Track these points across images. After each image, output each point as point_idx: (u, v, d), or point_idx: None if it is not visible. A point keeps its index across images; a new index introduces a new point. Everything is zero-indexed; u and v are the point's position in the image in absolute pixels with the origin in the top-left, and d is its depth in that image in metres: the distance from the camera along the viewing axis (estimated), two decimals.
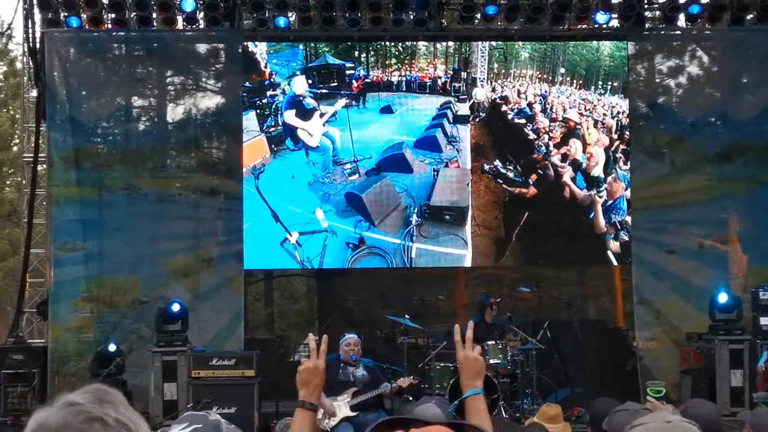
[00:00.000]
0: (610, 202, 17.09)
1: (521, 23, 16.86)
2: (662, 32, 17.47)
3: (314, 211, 16.85)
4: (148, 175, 16.80)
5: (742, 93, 17.25)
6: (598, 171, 17.11)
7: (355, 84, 17.18)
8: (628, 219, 16.99)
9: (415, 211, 16.96)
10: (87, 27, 16.53)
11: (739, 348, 14.43)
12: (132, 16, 16.41)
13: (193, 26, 16.77)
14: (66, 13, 16.30)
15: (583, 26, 17.13)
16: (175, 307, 15.20)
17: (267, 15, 16.42)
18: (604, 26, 17.04)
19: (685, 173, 17.19)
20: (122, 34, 16.87)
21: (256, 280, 20.09)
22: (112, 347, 15.21)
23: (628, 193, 17.03)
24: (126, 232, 16.42)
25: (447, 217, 17.08)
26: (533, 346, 14.68)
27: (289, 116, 17.05)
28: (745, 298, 15.74)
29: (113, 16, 16.44)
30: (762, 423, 6.15)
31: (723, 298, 15.45)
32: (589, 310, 19.95)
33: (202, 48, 17.39)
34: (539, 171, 17.17)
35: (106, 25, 16.63)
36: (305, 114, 17.08)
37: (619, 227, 16.98)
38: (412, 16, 16.54)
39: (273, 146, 17.06)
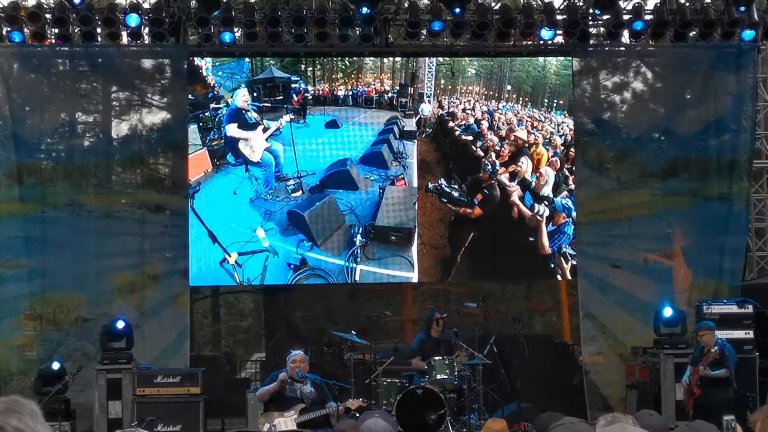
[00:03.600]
0: (554, 227, 17.16)
1: (467, 39, 16.91)
2: (606, 48, 17.60)
3: (255, 230, 16.71)
4: (93, 191, 16.65)
5: (685, 109, 17.41)
6: (547, 190, 17.17)
7: (295, 98, 17.11)
8: (571, 250, 17.07)
9: (360, 231, 16.84)
10: (30, 42, 16.35)
11: (684, 362, 14.48)
12: (76, 31, 16.25)
13: (138, 42, 16.65)
14: (8, 28, 16.11)
15: (529, 42, 17.23)
16: (120, 325, 15.10)
17: (212, 30, 16.32)
18: (549, 42, 17.14)
19: (630, 188, 17.35)
20: (66, 49, 16.70)
21: (202, 296, 19.97)
22: (56, 365, 15.03)
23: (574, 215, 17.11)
24: (70, 248, 16.26)
25: (393, 237, 16.99)
26: (480, 361, 14.67)
27: (232, 129, 16.95)
28: (690, 312, 15.90)
29: (57, 31, 16.26)
30: None
31: (668, 312, 15.60)
32: (535, 325, 20.04)
33: (147, 63, 17.25)
34: (485, 191, 17.17)
35: (49, 41, 16.46)
36: (248, 128, 16.99)
37: (568, 257, 17.03)
38: (358, 32, 16.53)
39: (215, 160, 16.96)
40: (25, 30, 16.18)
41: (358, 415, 13.04)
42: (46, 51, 16.78)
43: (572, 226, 17.14)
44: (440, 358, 14.44)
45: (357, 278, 16.88)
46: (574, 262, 17.06)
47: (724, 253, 16.93)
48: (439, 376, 14.25)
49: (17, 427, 2.29)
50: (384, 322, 16.86)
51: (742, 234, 17.12)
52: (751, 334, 15.33)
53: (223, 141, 16.96)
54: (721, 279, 16.90)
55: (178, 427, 13.97)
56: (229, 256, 16.63)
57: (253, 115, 17.00)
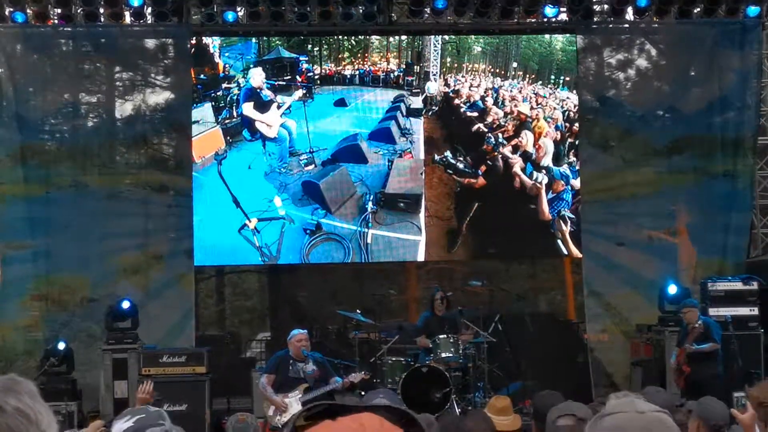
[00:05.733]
0: (553, 195, 17.19)
1: (470, 17, 16.88)
2: (611, 25, 17.54)
3: (272, 199, 16.91)
4: (97, 171, 16.65)
5: (689, 86, 17.36)
6: (546, 161, 17.21)
7: (299, 79, 17.20)
8: (569, 214, 17.09)
9: (371, 198, 17.13)
10: (33, 22, 16.34)
11: None
12: (79, 11, 16.23)
13: (141, 21, 16.64)
14: (11, 8, 16.09)
15: (532, 20, 17.18)
16: (125, 305, 15.13)
17: (215, 10, 16.32)
18: (553, 20, 17.10)
19: (634, 166, 17.32)
20: (69, 29, 16.68)
21: (207, 276, 19.97)
22: (61, 345, 15.07)
23: (575, 184, 17.10)
24: (74, 229, 16.27)
25: (401, 204, 17.23)
26: (485, 339, 14.71)
27: (248, 108, 17.08)
28: (694, 290, 15.88)
29: (59, 11, 16.25)
30: (709, 411, 6.20)
31: (672, 289, 15.58)
32: (539, 303, 20.01)
33: (150, 43, 17.23)
34: (488, 162, 17.28)
35: (52, 21, 16.45)
36: (263, 106, 17.12)
37: (567, 220, 17.08)
38: (361, 10, 16.50)
39: (228, 138, 17.08)
40: (28, 10, 16.17)
41: (363, 393, 13.11)
42: (49, 31, 16.77)
43: (571, 194, 17.15)
44: (445, 336, 14.46)
45: (369, 241, 17.08)
46: (574, 227, 17.06)
47: (728, 230, 16.92)
48: (443, 355, 14.28)
49: (16, 406, 2.25)
50: (388, 300, 16.93)
51: (747, 211, 17.10)
52: (756, 311, 15.30)
53: (237, 119, 17.07)
54: (725, 256, 16.89)
55: (184, 406, 13.99)
56: (249, 221, 16.79)
57: (267, 93, 17.11)
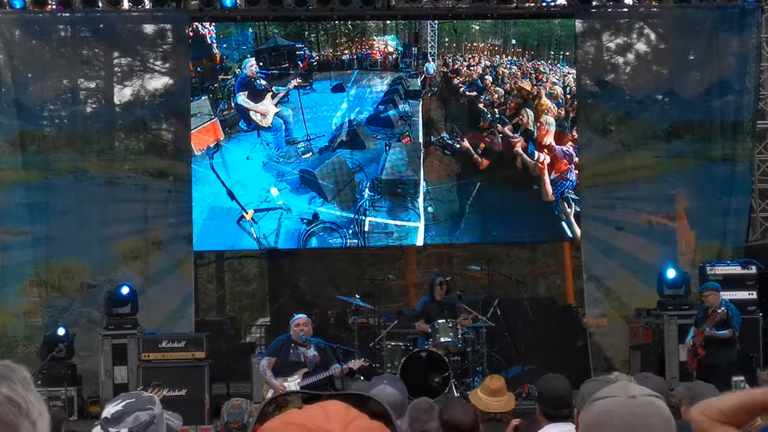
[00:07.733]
0: (557, 175, 17.16)
1: (469, 1, 16.84)
2: (609, 9, 17.52)
3: (269, 190, 16.91)
4: (96, 157, 16.65)
5: (688, 70, 17.35)
6: (548, 139, 17.15)
7: (300, 65, 17.18)
8: (573, 195, 17.08)
9: (368, 185, 17.11)
10: (31, 8, 16.31)
11: (688, 323, 14.51)
12: None
13: (139, 7, 16.62)
14: None
15: (531, 4, 17.14)
16: (124, 290, 15.16)
17: None
18: (552, 4, 17.07)
19: (633, 150, 17.31)
20: (67, 15, 16.66)
21: (207, 262, 20.01)
22: (61, 331, 15.11)
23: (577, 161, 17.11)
24: (74, 215, 16.28)
25: (399, 190, 17.20)
26: (484, 324, 14.72)
27: (242, 98, 17.05)
28: (693, 274, 15.92)
29: None
30: (699, 395, 6.20)
31: (671, 274, 15.60)
32: (539, 287, 20.05)
33: (148, 29, 17.23)
34: (486, 139, 17.23)
35: (50, 6, 16.43)
36: (257, 95, 17.08)
37: (571, 202, 17.06)
38: None
39: (227, 129, 17.08)
40: None
41: (361, 377, 13.15)
42: (47, 17, 16.74)
43: (574, 173, 17.12)
44: (444, 321, 14.46)
45: (366, 229, 17.06)
46: (578, 208, 17.06)
47: (727, 214, 16.91)
48: (442, 339, 14.29)
49: (8, 395, 2.21)
50: (388, 285, 16.93)
51: (746, 195, 17.09)
52: (754, 295, 15.32)
53: (234, 110, 17.06)
54: (724, 240, 16.88)
55: (184, 391, 14.02)
56: (246, 213, 16.80)
57: (261, 83, 17.09)
